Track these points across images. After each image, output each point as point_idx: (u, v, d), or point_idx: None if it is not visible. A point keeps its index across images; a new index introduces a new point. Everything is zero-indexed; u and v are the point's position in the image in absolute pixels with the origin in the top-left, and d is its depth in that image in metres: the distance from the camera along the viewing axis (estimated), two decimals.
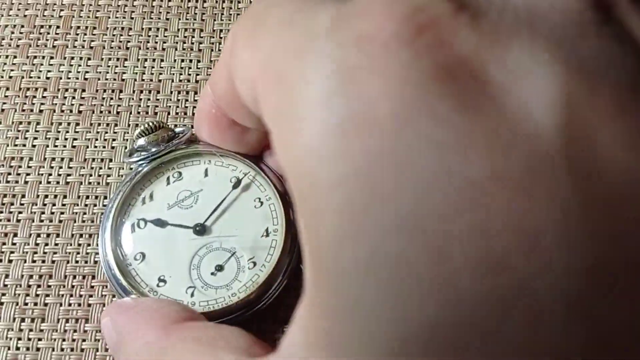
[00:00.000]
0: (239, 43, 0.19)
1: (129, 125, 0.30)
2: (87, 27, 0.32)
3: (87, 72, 0.31)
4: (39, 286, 0.27)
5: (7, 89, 0.31)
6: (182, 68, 0.32)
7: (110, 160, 0.29)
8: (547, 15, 0.15)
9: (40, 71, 0.31)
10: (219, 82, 0.22)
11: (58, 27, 0.32)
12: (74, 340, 0.26)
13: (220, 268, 0.25)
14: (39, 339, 0.26)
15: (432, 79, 0.14)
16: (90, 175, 0.29)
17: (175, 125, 0.29)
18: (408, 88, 0.14)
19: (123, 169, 0.29)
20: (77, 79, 0.31)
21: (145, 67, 0.31)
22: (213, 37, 0.32)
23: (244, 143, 0.26)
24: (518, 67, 0.14)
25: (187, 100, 0.31)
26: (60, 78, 0.31)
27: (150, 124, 0.27)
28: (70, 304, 0.27)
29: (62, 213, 0.28)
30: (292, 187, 0.16)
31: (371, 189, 0.14)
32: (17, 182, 0.29)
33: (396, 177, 0.13)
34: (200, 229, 0.25)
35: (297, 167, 0.15)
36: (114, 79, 0.31)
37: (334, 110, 0.14)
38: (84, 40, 0.32)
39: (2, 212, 0.28)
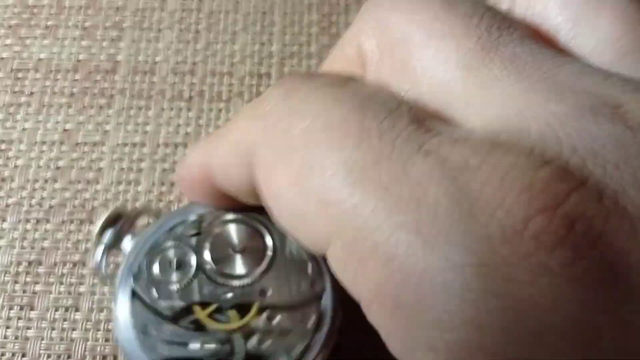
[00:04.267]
0: (277, 167, 0.17)
1: (122, 108, 0.29)
2: (80, 7, 0.31)
3: (79, 53, 0.30)
4: (27, 273, 0.26)
5: None
6: (178, 50, 0.31)
7: (103, 145, 0.28)
8: None
9: (32, 52, 0.30)
10: (232, 181, 0.20)
11: (51, 7, 0.31)
12: (63, 329, 0.25)
13: None
14: (28, 328, 0.25)
15: (601, 281, 0.13)
16: (82, 160, 0.28)
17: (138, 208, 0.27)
18: (580, 292, 0.13)
19: (116, 153, 0.28)
20: (70, 60, 0.30)
21: (140, 49, 0.30)
22: (211, 19, 0.31)
23: (242, 206, 0.23)
24: None
25: (183, 82, 0.30)
26: (52, 60, 0.30)
27: (107, 218, 0.24)
28: (59, 292, 0.26)
29: (52, 198, 0.27)
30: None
31: None
32: (6, 165, 0.28)
33: None
34: None
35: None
36: (108, 61, 0.30)
37: (485, 311, 0.13)
38: (77, 21, 0.31)
39: None
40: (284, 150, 0.17)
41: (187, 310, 0.22)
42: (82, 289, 0.26)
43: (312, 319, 0.22)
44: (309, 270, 0.23)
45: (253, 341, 0.22)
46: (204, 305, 0.22)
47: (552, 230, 0.13)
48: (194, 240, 0.23)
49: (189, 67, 0.30)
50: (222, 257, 0.23)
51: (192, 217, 0.23)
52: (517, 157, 0.14)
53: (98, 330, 0.25)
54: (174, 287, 0.22)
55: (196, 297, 0.22)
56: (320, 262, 0.23)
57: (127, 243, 0.23)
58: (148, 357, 0.22)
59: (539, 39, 0.17)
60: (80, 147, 0.28)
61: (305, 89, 0.18)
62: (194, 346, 0.22)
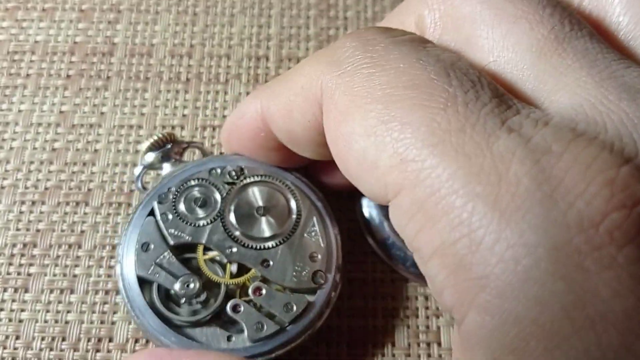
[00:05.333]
0: (354, 114, 0.17)
1: (119, 90, 0.29)
2: None
3: (76, 35, 0.30)
4: (22, 255, 0.26)
5: None
6: (176, 32, 0.30)
7: (100, 126, 0.28)
8: None
9: (29, 34, 0.30)
10: (293, 125, 0.21)
11: None
12: (58, 312, 0.25)
13: None
14: (22, 310, 0.25)
15: None
16: (78, 142, 0.28)
17: (191, 139, 0.28)
18: (631, 298, 0.14)
19: (113, 135, 0.28)
20: (67, 42, 0.30)
21: (137, 31, 0.30)
22: (208, 2, 0.31)
23: (289, 161, 0.24)
24: None
25: (180, 65, 0.29)
26: (49, 42, 0.30)
27: (159, 136, 0.25)
28: (54, 275, 0.25)
29: (48, 180, 0.27)
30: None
31: None
32: (2, 147, 0.27)
33: None
34: None
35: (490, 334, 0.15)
36: (105, 43, 0.30)
37: (550, 290, 0.14)
38: (75, 3, 0.31)
39: None
40: (362, 99, 0.17)
41: (191, 247, 0.23)
42: (77, 271, 0.25)
43: (295, 311, 0.22)
44: (319, 259, 0.23)
45: (231, 303, 0.22)
46: (206, 250, 0.23)
47: (626, 228, 0.14)
48: (226, 188, 0.24)
49: (187, 49, 0.30)
50: (245, 214, 0.24)
51: (233, 167, 0.24)
52: (600, 151, 0.15)
53: (93, 312, 0.25)
54: (189, 222, 0.23)
55: (204, 239, 0.23)
56: (333, 256, 0.23)
57: (167, 168, 0.25)
58: (137, 270, 0.23)
59: (603, 38, 0.18)
60: (76, 129, 0.28)
61: (387, 42, 0.18)
62: (177, 284, 0.23)
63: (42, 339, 0.24)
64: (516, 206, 0.14)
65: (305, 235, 0.23)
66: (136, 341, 0.24)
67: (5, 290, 0.25)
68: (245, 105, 0.23)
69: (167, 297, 0.23)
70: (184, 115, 0.28)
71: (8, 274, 0.25)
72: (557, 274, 0.14)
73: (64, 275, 0.25)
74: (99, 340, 0.24)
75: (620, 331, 0.14)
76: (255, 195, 0.24)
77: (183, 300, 0.23)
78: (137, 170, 0.25)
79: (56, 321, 0.25)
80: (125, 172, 0.27)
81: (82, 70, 0.29)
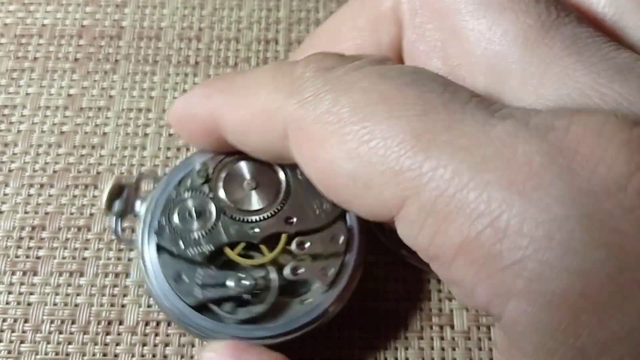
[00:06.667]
0: (330, 140, 0.17)
1: (127, 73, 0.28)
2: None
3: (84, 19, 0.30)
4: (31, 238, 0.25)
5: (2, 36, 0.29)
6: (184, 16, 0.30)
7: (108, 110, 0.28)
8: None
9: (36, 18, 0.30)
10: (250, 141, 0.20)
11: None
12: (67, 294, 0.24)
13: None
14: (31, 293, 0.24)
15: None
16: (86, 125, 0.27)
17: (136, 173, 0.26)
18: None
19: (121, 118, 0.28)
20: (74, 26, 0.29)
21: (145, 15, 0.30)
22: None
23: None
24: None
25: (189, 48, 0.29)
26: (57, 25, 0.29)
27: (110, 190, 0.23)
28: (64, 257, 0.25)
29: (56, 163, 0.27)
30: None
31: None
32: (9, 130, 0.27)
33: None
34: None
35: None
36: (113, 26, 0.29)
37: (591, 260, 0.14)
38: None
39: None
40: (334, 125, 0.17)
41: (218, 252, 0.22)
42: (86, 253, 0.25)
43: (342, 238, 0.22)
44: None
45: (287, 270, 0.22)
46: (233, 245, 0.23)
47: None
48: (205, 188, 0.23)
49: (195, 32, 0.30)
50: (239, 196, 0.23)
51: (197, 167, 0.23)
52: (607, 117, 0.14)
53: (103, 295, 0.24)
54: (199, 234, 0.22)
55: (224, 238, 0.22)
56: None
57: (139, 206, 0.23)
58: (186, 302, 0.21)
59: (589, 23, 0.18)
60: (84, 112, 0.28)
61: (347, 67, 0.18)
62: (230, 284, 0.22)
63: (52, 322, 0.24)
64: (535, 184, 0.14)
65: (300, 177, 0.23)
66: (146, 324, 0.24)
67: (13, 273, 0.25)
68: (196, 104, 0.21)
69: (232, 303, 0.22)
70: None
71: (17, 257, 0.25)
72: (594, 242, 0.14)
73: (73, 258, 0.25)
74: (109, 323, 0.24)
75: None
76: (235, 175, 0.23)
77: (250, 297, 0.22)
78: (111, 222, 0.24)
79: (65, 304, 0.24)
80: (134, 156, 0.27)
81: (90, 53, 0.29)
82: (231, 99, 0.20)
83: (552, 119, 0.15)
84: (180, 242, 0.22)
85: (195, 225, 0.22)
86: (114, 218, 0.23)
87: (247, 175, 0.23)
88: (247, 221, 0.23)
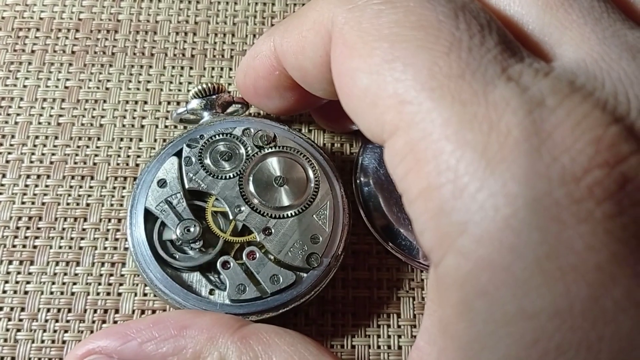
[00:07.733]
0: (360, 50, 0.18)
1: (124, 66, 0.29)
2: None
3: (81, 12, 0.30)
4: (28, 228, 0.26)
5: (0, 29, 0.29)
6: (180, 9, 0.30)
7: (105, 102, 0.28)
8: None
9: (34, 11, 0.30)
10: (306, 62, 0.21)
11: None
12: (64, 283, 0.25)
13: None
14: (27, 282, 0.25)
15: (633, 237, 0.14)
16: (83, 117, 0.28)
17: (235, 92, 0.28)
18: (613, 243, 0.14)
19: (118, 110, 0.28)
20: (71, 19, 0.30)
21: (142, 8, 0.30)
22: None
23: (301, 103, 0.25)
24: None
25: (185, 41, 0.29)
26: (54, 18, 0.30)
27: (208, 85, 0.25)
28: (60, 247, 0.25)
29: (53, 154, 0.27)
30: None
31: (573, 332, 0.14)
32: (6, 122, 0.27)
33: (597, 328, 0.14)
34: None
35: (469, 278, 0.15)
36: (109, 20, 0.30)
37: (524, 240, 0.14)
38: None
39: None
40: (369, 36, 0.17)
41: (203, 196, 0.24)
42: (83, 243, 0.25)
43: (279, 284, 0.23)
44: (320, 242, 0.23)
45: (223, 258, 0.23)
46: (217, 202, 0.24)
47: (606, 185, 0.14)
48: (254, 150, 0.24)
49: (191, 26, 0.30)
50: (264, 180, 0.24)
51: (266, 132, 0.24)
52: (593, 109, 0.15)
53: (99, 284, 0.25)
54: (210, 172, 0.24)
55: (216, 191, 0.24)
56: (335, 243, 0.23)
57: (206, 117, 0.25)
58: (146, 202, 0.23)
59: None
60: (81, 104, 0.28)
61: None
62: (182, 224, 0.23)
63: (48, 310, 0.24)
64: (502, 156, 0.15)
65: (315, 216, 0.23)
66: (142, 312, 0.24)
67: (10, 262, 0.25)
68: (259, 45, 0.23)
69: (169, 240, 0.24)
70: (189, 91, 0.28)
71: (13, 246, 0.25)
72: (533, 225, 0.14)
73: (70, 247, 0.25)
74: (105, 311, 0.24)
75: (590, 283, 0.14)
76: (280, 164, 0.24)
77: (179, 243, 0.23)
78: (180, 109, 0.26)
79: (62, 293, 0.25)
80: (130, 147, 0.27)
81: (87, 46, 0.29)
82: (288, 24, 0.22)
83: (548, 92, 0.15)
84: (194, 161, 0.24)
85: (216, 164, 0.24)
86: (184, 109, 0.26)
87: (284, 171, 0.24)
88: (245, 200, 0.23)
